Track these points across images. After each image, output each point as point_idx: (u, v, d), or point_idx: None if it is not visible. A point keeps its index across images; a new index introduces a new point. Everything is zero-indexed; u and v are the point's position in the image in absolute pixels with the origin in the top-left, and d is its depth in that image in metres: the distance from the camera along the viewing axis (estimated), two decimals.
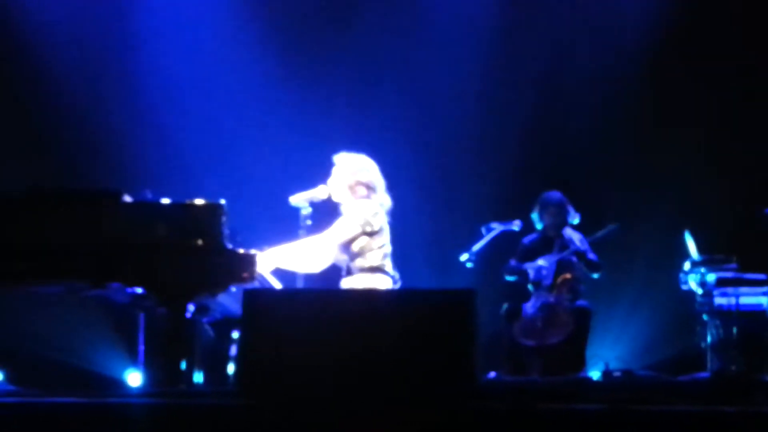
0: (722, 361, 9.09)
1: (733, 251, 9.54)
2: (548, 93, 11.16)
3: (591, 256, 9.75)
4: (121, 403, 6.46)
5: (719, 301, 9.26)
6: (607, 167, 10.96)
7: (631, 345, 10.55)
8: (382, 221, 8.18)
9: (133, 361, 8.59)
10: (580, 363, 9.43)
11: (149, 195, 7.74)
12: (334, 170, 8.33)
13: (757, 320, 9.07)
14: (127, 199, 7.59)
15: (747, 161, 10.57)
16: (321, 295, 7.03)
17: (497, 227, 9.63)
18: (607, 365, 9.01)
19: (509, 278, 9.91)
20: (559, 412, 6.21)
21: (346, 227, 8.11)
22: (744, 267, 9.38)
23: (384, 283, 8.07)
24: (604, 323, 10.29)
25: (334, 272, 8.26)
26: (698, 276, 9.42)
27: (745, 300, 9.17)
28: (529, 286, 9.77)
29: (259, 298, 6.69)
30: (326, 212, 8.33)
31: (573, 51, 11.21)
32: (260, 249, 7.80)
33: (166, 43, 11.08)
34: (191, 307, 7.41)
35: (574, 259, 9.76)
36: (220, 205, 7.56)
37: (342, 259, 8.19)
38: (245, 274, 7.50)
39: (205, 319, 8.21)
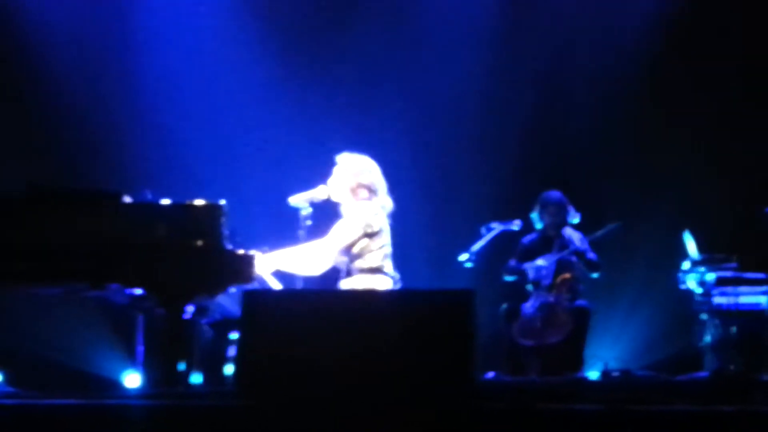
0: (721, 360, 9.08)
1: (732, 251, 9.53)
2: (548, 93, 11.17)
3: (590, 255, 9.75)
4: (119, 404, 6.46)
5: (718, 300, 9.25)
6: (607, 167, 10.96)
7: (630, 345, 10.56)
8: (382, 222, 8.17)
9: (132, 363, 8.58)
10: (579, 363, 9.43)
11: (149, 195, 7.74)
12: (336, 170, 8.30)
13: (756, 320, 9.06)
14: (127, 199, 7.59)
15: (747, 161, 10.57)
16: (320, 296, 7.03)
17: (497, 227, 9.63)
18: (605, 365, 9.00)
19: (508, 278, 9.91)
20: (558, 412, 6.22)
21: (347, 231, 8.09)
22: (743, 266, 9.37)
23: (384, 283, 8.07)
24: (603, 323, 10.29)
25: (334, 273, 8.25)
26: (698, 275, 9.41)
27: (744, 299, 9.17)
28: (529, 286, 9.78)
29: (258, 299, 6.69)
30: (326, 212, 8.33)
31: (573, 50, 11.21)
32: (260, 249, 7.80)
33: (166, 43, 11.09)
34: (190, 308, 7.42)
35: (574, 258, 9.76)
36: (220, 206, 7.56)
37: (341, 260, 8.18)
38: (244, 275, 7.51)
39: (203, 320, 8.21)
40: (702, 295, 9.37)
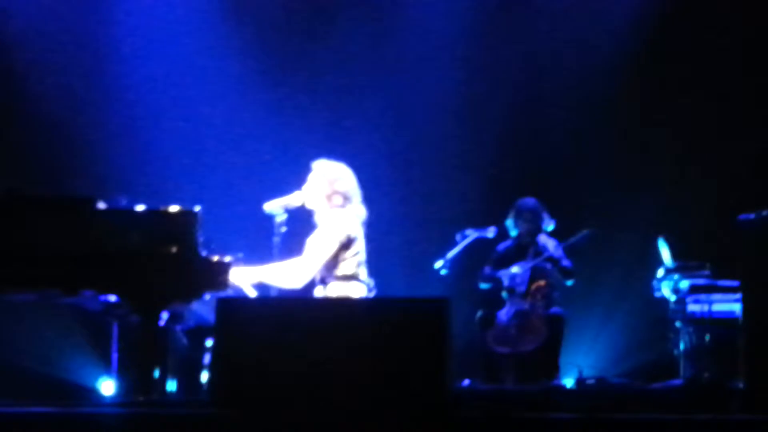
0: (695, 368, 9.09)
1: (706, 258, 9.55)
2: (523, 100, 11.18)
3: (565, 263, 9.77)
4: (94, 412, 6.43)
5: (692, 308, 9.26)
6: (582, 174, 10.97)
7: (605, 352, 10.58)
8: (356, 230, 8.14)
9: (107, 370, 8.54)
10: (554, 370, 9.46)
11: (123, 201, 7.70)
12: (311, 177, 8.26)
13: (729, 327, 9.06)
14: (101, 205, 7.55)
15: (721, 168, 10.59)
16: (294, 303, 7.02)
17: (472, 234, 9.63)
18: (580, 372, 9.03)
19: (484, 286, 9.92)
20: (533, 421, 6.23)
21: (325, 245, 8.02)
22: (717, 274, 9.39)
23: (358, 291, 8.05)
24: (578, 330, 10.29)
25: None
26: (672, 283, 9.42)
27: (718, 307, 9.17)
28: (504, 293, 9.78)
29: (232, 306, 6.66)
30: (301, 219, 8.30)
31: (548, 59, 11.23)
32: (234, 256, 7.76)
33: (141, 50, 11.05)
34: (165, 315, 7.38)
35: (548, 265, 9.77)
36: (195, 212, 7.53)
37: None
38: (219, 282, 7.48)
39: (178, 327, 8.17)
40: (676, 302, 9.38)
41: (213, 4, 11.29)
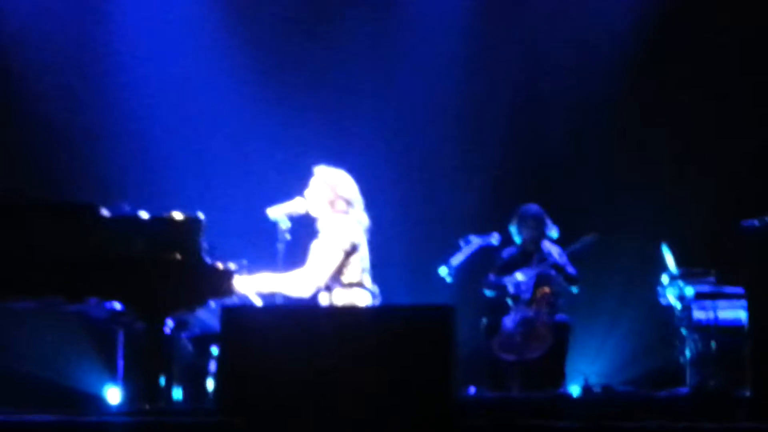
0: (701, 376, 9.07)
1: (711, 265, 9.53)
2: (523, 100, 11.18)
3: (570, 269, 9.76)
4: (99, 421, 6.42)
5: (698, 315, 9.20)
6: (586, 180, 10.97)
7: (611, 360, 10.56)
8: (359, 237, 8.12)
9: (112, 377, 8.53)
10: (560, 378, 9.44)
11: (126, 208, 7.68)
12: (314, 182, 8.22)
13: (735, 334, 9.03)
14: (104, 212, 7.54)
15: (725, 174, 10.58)
16: (299, 311, 7.01)
17: (475, 240, 9.61)
18: (586, 380, 9.01)
19: (488, 293, 9.90)
20: (539, 429, 6.21)
21: (330, 255, 7.98)
22: (722, 281, 9.36)
23: (363, 298, 8.03)
24: (584, 337, 10.29)
25: None
26: (676, 290, 9.38)
27: (723, 314, 9.13)
28: (508, 300, 9.77)
29: (237, 314, 6.65)
30: (304, 225, 8.27)
31: (550, 63, 11.24)
32: (238, 263, 7.75)
33: (143, 54, 11.06)
34: (170, 323, 7.37)
35: (553, 272, 9.76)
36: (199, 219, 7.52)
37: None
38: (224, 289, 7.47)
39: (184, 335, 8.16)
40: (681, 309, 9.35)
41: (213, 5, 11.30)
